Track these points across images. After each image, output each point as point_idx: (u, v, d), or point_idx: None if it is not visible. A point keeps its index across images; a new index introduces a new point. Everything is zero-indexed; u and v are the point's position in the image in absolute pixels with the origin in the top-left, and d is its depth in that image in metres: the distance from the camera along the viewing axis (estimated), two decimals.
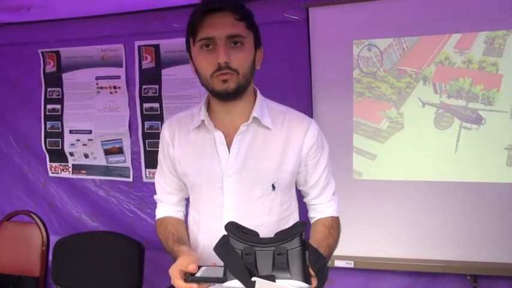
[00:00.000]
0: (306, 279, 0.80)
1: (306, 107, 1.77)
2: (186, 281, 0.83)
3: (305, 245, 0.83)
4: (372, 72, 1.68)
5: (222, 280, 0.81)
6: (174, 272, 0.85)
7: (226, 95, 0.93)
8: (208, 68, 0.91)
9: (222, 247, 0.84)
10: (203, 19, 0.90)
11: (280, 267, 0.80)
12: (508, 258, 1.64)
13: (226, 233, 0.86)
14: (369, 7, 1.63)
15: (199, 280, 0.83)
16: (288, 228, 0.87)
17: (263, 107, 1.02)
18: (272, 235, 0.93)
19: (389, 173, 1.70)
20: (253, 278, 0.77)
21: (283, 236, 0.83)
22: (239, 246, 0.83)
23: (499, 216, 1.62)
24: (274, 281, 0.78)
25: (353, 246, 1.74)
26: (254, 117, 0.99)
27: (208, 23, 0.90)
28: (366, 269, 1.82)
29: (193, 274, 0.84)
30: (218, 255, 0.84)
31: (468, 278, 1.73)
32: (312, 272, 0.82)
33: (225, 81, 0.91)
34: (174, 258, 0.94)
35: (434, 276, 1.79)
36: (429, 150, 1.65)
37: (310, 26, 1.70)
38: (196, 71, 0.97)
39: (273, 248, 0.81)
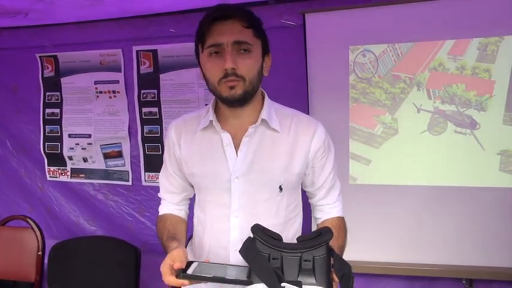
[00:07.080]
0: (330, 285, 0.83)
1: (303, 112, 1.78)
2: (177, 277, 0.83)
3: (330, 252, 0.84)
4: (367, 78, 1.69)
5: (245, 283, 0.81)
6: (165, 269, 0.85)
7: (233, 101, 0.95)
8: (215, 74, 0.93)
9: (249, 250, 0.84)
10: (211, 26, 0.92)
11: (306, 273, 0.82)
12: (503, 261, 1.65)
13: (251, 236, 0.86)
14: (365, 13, 1.64)
15: (193, 278, 0.83)
16: (314, 233, 0.88)
17: (271, 110, 1.03)
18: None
19: (384, 177, 1.71)
20: (283, 284, 0.78)
21: (310, 243, 0.84)
22: (266, 250, 0.84)
23: (493, 220, 1.63)
24: (301, 287, 0.80)
25: (349, 250, 1.73)
26: (263, 120, 1.00)
27: (217, 30, 0.92)
28: (362, 273, 1.82)
29: (184, 270, 0.84)
30: (245, 258, 0.84)
31: (464, 282, 1.74)
32: (335, 278, 0.84)
33: (231, 87, 0.93)
34: (166, 254, 0.95)
35: (430, 280, 1.80)
36: (423, 155, 1.66)
37: (306, 32, 1.72)
38: (205, 77, 0.99)
39: (299, 254, 0.83)
